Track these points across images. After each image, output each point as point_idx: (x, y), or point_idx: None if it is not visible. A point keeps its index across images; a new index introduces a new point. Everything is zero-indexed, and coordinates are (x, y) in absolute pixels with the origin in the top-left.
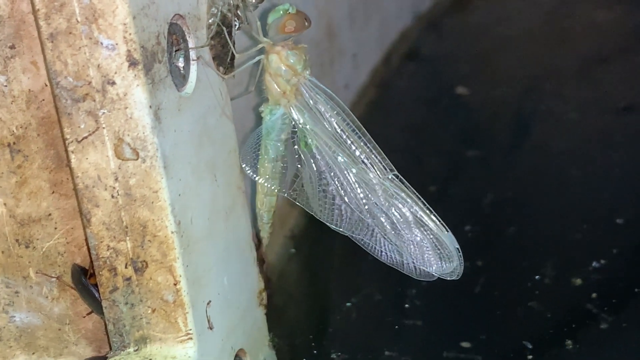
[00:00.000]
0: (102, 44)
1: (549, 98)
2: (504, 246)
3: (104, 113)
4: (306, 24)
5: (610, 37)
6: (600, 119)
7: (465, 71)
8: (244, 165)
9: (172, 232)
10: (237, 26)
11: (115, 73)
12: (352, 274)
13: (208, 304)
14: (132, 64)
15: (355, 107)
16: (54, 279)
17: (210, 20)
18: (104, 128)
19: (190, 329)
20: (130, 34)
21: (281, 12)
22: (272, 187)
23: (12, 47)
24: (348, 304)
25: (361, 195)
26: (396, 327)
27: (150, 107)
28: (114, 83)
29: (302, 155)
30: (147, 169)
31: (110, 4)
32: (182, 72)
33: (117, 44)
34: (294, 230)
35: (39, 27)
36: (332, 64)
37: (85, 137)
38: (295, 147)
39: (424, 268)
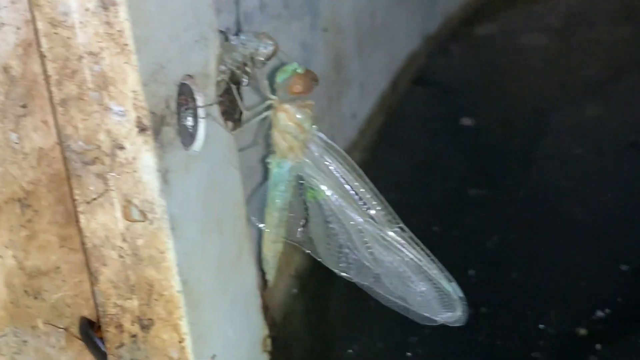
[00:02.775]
0: (112, 110)
1: (554, 132)
2: (507, 292)
3: (113, 176)
4: (314, 84)
5: (618, 62)
6: (606, 155)
7: (471, 99)
8: (252, 218)
9: (178, 292)
10: (245, 82)
11: (125, 138)
12: (354, 318)
13: (212, 358)
14: (142, 129)
15: (363, 135)
16: (62, 330)
17: (219, 78)
18: (112, 190)
19: None
20: (140, 101)
21: (289, 71)
22: (279, 235)
23: (24, 106)
24: (350, 351)
25: (367, 245)
26: None
27: (159, 170)
28: (123, 148)
29: (309, 205)
30: (154, 231)
31: (120, 72)
32: (190, 130)
33: (127, 110)
34: (298, 270)
35: (50, 92)
36: (339, 95)
37: (95, 199)
38: (302, 197)
39: (428, 315)
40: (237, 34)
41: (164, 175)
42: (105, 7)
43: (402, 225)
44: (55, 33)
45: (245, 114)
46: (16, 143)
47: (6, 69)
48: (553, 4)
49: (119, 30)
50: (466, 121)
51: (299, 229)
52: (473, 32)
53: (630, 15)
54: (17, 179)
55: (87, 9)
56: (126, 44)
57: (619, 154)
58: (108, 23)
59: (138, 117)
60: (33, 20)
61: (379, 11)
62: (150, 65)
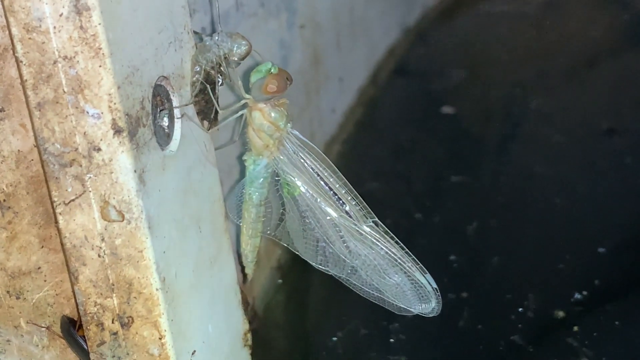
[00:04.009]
0: (88, 112)
1: (533, 118)
2: (488, 277)
3: (90, 177)
4: (288, 83)
5: (594, 49)
6: (584, 142)
7: (451, 87)
8: (230, 214)
9: (156, 289)
10: (220, 82)
11: (101, 140)
12: (338, 306)
13: (193, 353)
14: (117, 131)
15: (343, 128)
16: (44, 329)
17: (194, 78)
18: (90, 191)
19: None
20: (115, 104)
21: (263, 71)
22: (257, 230)
23: (2, 110)
24: (334, 339)
25: (343, 239)
26: None
27: (135, 171)
28: (99, 149)
29: (285, 201)
30: (132, 230)
31: (95, 75)
32: (166, 131)
33: (102, 113)
34: (280, 261)
35: (27, 96)
36: (318, 90)
37: (73, 200)
38: (279, 193)
39: (404, 306)
40: (211, 34)
41: (140, 175)
42: (79, 12)
43: (376, 219)
44: (30, 38)
45: (221, 113)
46: None
47: None
48: None
49: (92, 35)
50: (447, 109)
51: (276, 224)
52: (452, 22)
53: (606, 2)
54: None
55: (61, 14)
56: (100, 48)
57: (595, 140)
58: (82, 28)
59: (113, 119)
60: (8, 26)
61: (357, 5)
62: (124, 68)
